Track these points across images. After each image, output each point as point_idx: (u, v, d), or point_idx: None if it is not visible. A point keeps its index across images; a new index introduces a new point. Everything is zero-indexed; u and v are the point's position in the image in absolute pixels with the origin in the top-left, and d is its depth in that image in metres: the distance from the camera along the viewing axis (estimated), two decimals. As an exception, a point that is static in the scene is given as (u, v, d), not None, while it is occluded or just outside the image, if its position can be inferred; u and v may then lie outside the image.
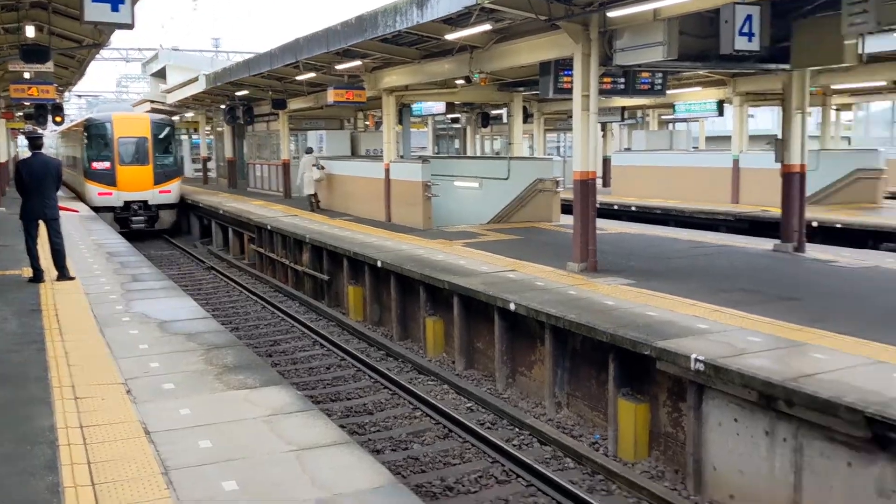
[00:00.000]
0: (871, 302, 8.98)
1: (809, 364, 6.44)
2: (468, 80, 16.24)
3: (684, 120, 29.36)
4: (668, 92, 14.36)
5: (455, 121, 33.59)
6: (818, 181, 19.14)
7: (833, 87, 21.07)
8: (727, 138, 22.89)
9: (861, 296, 9.36)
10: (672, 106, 24.59)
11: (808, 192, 13.31)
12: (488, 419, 9.07)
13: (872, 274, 10.79)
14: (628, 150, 29.28)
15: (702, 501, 6.84)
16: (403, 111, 21.61)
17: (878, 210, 19.44)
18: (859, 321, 7.82)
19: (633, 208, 22.72)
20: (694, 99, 23.36)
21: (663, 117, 29.91)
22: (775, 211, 13.25)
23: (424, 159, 17.98)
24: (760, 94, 21.49)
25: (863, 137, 34.77)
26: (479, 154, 33.11)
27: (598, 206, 12.01)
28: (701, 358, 6.68)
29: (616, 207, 22.97)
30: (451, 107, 25.23)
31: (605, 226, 15.72)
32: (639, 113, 30.41)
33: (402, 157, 20.07)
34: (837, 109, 27.01)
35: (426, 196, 16.56)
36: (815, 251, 12.74)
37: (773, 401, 6.13)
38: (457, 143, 38.19)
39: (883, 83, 20.10)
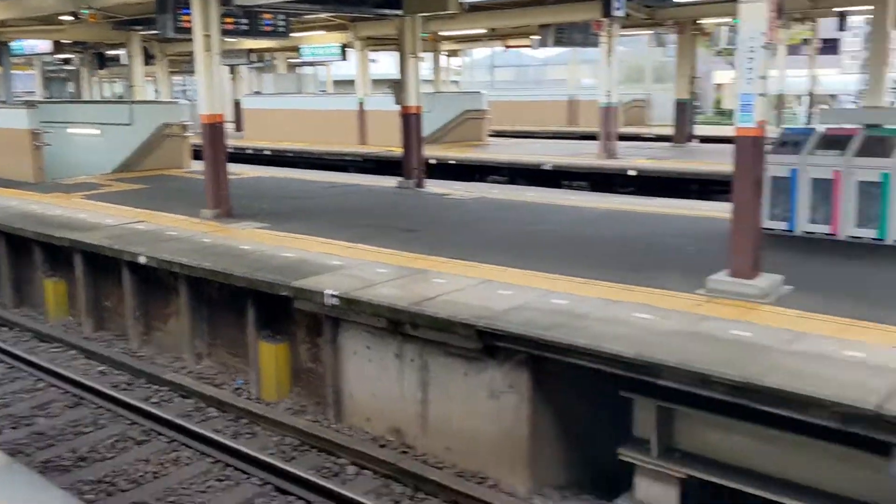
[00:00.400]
0: (479, 228, 10.07)
1: (430, 288, 7.07)
2: (76, 16, 14.76)
3: (311, 64, 29.75)
4: (292, 35, 14.43)
5: (67, 62, 30.41)
6: (434, 122, 20.74)
7: (441, 33, 22.86)
8: (353, 82, 23.74)
9: (471, 224, 10.45)
10: (298, 49, 24.77)
11: (425, 132, 14.40)
12: (124, 380, 8.59)
13: (479, 204, 12.08)
14: (258, 93, 29.00)
15: (342, 428, 7.23)
16: (2, 50, 19.10)
17: (485, 147, 21.74)
18: (470, 246, 8.73)
19: (268, 152, 22.68)
20: (318, 42, 23.77)
21: (291, 61, 30.01)
22: (398, 150, 14.15)
23: (31, 104, 16.09)
24: (380, 39, 22.55)
25: (469, 81, 38.36)
26: (98, 98, 30.53)
27: (231, 150, 11.83)
28: (335, 293, 6.98)
29: (250, 152, 22.73)
30: (59, 46, 22.80)
31: (240, 170, 15.50)
32: (267, 56, 30.15)
33: (3, 102, 17.74)
34: (448, 55, 29.43)
35: (36, 145, 14.85)
36: (433, 186, 13.87)
37: (400, 325, 6.65)
38: (71, 87, 34.57)
39: (483, 31, 22.30)
